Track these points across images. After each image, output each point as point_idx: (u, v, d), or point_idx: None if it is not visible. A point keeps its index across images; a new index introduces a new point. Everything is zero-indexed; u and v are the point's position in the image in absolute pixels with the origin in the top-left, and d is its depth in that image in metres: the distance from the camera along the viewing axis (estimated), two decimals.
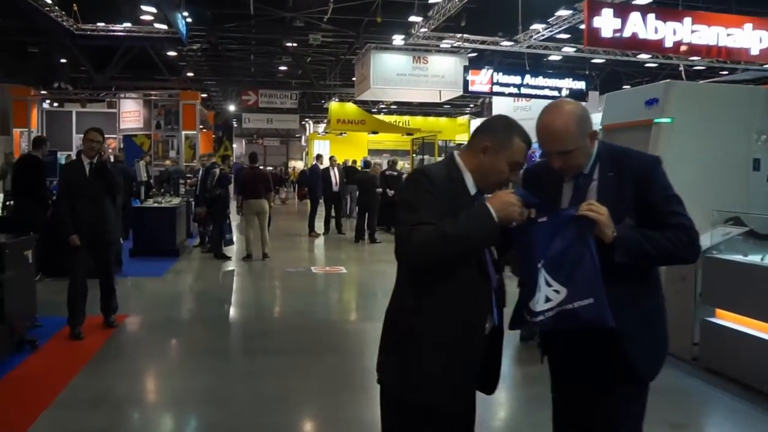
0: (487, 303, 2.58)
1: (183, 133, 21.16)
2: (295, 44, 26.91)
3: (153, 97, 21.94)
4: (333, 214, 17.10)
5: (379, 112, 34.97)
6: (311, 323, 7.84)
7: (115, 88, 23.62)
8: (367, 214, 15.50)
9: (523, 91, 20.23)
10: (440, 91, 23.53)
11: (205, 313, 8.36)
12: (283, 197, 33.12)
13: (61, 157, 22.18)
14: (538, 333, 2.93)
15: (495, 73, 19.94)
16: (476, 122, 30.77)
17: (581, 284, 2.45)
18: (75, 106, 23.89)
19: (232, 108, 36.94)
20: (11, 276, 6.48)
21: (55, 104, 24.40)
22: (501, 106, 26.68)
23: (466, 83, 19.87)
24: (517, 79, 20.06)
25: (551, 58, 22.70)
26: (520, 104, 25.82)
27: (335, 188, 16.87)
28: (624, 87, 27.12)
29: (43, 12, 16.96)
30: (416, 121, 34.67)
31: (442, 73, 22.18)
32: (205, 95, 38.82)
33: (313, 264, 12.45)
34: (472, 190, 2.61)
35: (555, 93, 20.39)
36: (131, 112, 22.30)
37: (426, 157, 16.30)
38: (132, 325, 7.64)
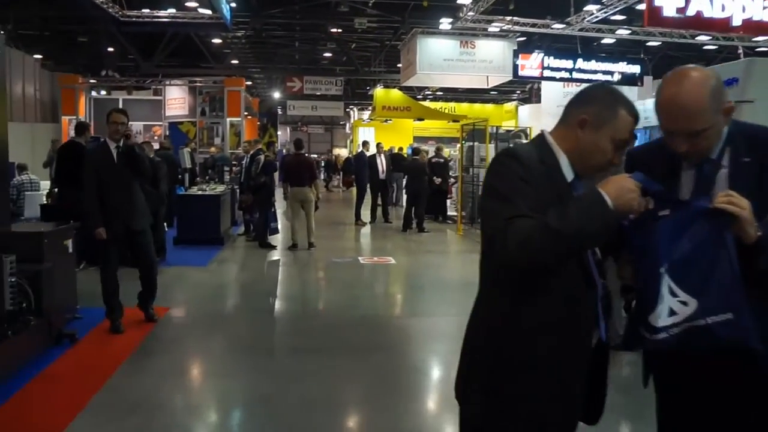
0: (593, 314, 2.09)
1: (228, 119, 20.94)
2: (339, 30, 26.49)
3: (198, 84, 21.71)
4: (379, 202, 16.68)
5: (424, 99, 34.38)
6: (359, 319, 7.42)
7: (161, 75, 23.44)
8: (415, 202, 15.03)
9: (575, 75, 19.46)
10: (488, 77, 22.92)
11: (249, 307, 8.00)
12: (336, 185, 32.97)
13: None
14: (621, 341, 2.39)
15: (546, 57, 19.22)
16: (525, 109, 30.12)
17: (717, 295, 1.95)
18: (122, 93, 23.87)
19: (276, 95, 36.72)
20: (50, 267, 6.19)
21: (103, 92, 24.41)
22: (550, 92, 25.94)
23: (515, 68, 19.20)
24: (568, 63, 19.32)
25: (603, 41, 21.82)
26: (571, 89, 24.96)
27: (382, 176, 16.43)
28: None
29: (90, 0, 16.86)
30: (462, 107, 33.96)
31: (490, 58, 21.49)
32: (249, 83, 38.71)
33: (360, 254, 12.03)
34: (569, 176, 2.12)
35: (608, 77, 19.61)
36: (176, 99, 22.15)
37: (475, 143, 15.68)
38: (174, 319, 7.30)
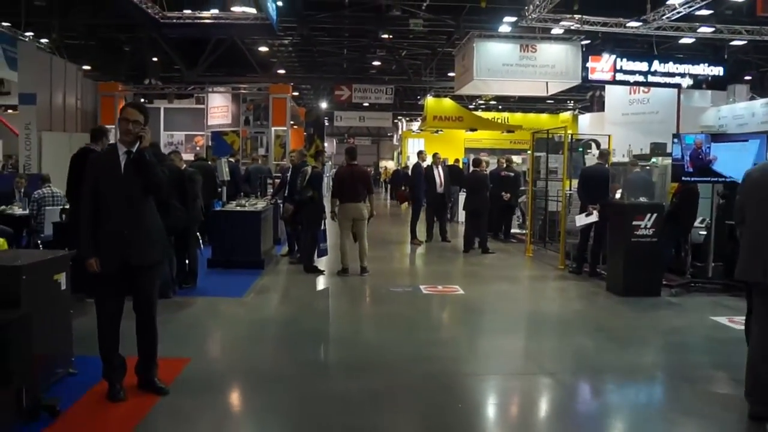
0: None
1: (273, 129, 19.32)
2: (390, 36, 24.83)
3: (242, 91, 20.15)
4: (436, 218, 14.83)
5: (476, 109, 32.46)
6: (435, 378, 5.55)
7: (203, 82, 21.93)
8: (477, 219, 13.14)
9: (651, 79, 17.49)
10: (547, 83, 20.94)
11: (293, 358, 6.14)
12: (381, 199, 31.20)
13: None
14: None
15: (618, 60, 17.22)
16: (585, 118, 27.98)
17: None
18: (163, 102, 22.45)
19: (324, 105, 35.20)
20: (27, 314, 4.49)
21: (144, 101, 23.04)
22: (615, 99, 23.89)
23: (585, 71, 17.29)
24: (643, 66, 17.34)
25: (682, 40, 19.62)
26: (637, 96, 22.98)
27: (440, 189, 14.56)
28: (747, 77, 23.82)
29: (129, 0, 15.43)
30: (515, 117, 31.96)
31: (552, 62, 19.56)
32: (296, 93, 37.34)
33: (421, 281, 10.15)
34: None
35: (687, 81, 17.53)
36: (219, 108, 20.63)
37: (542, 154, 13.79)
38: (194, 377, 5.50)
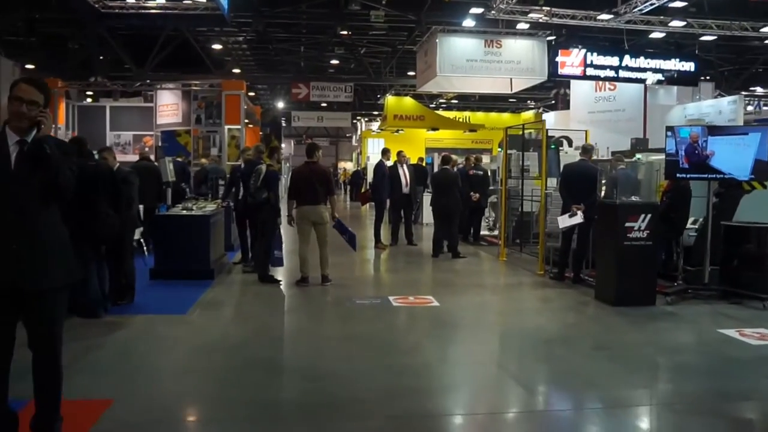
0: None
1: (226, 127, 17.95)
2: (349, 32, 23.67)
3: (193, 88, 18.74)
4: (402, 220, 13.72)
5: (437, 108, 31.49)
6: (412, 420, 4.42)
7: (153, 80, 20.37)
8: (447, 222, 12.06)
9: (622, 74, 16.65)
10: (511, 80, 20.00)
11: (242, 397, 4.90)
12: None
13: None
14: None
15: (588, 54, 16.35)
16: (550, 116, 27.16)
17: None
18: (109, 101, 20.86)
19: (280, 105, 33.87)
20: None
21: (88, 99, 21.46)
22: (581, 97, 23.05)
23: (555, 66, 16.36)
24: (614, 61, 16.49)
25: (651, 35, 18.85)
26: (603, 94, 22.19)
27: (405, 189, 13.46)
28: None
29: None
30: (477, 116, 31.14)
31: (518, 58, 18.53)
32: (252, 94, 35.89)
33: (390, 291, 9.00)
34: None
35: (658, 76, 16.75)
36: (169, 106, 19.17)
37: (513, 152, 12.81)
38: (116, 427, 4.28)
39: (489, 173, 14.64)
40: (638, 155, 11.70)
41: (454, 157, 13.28)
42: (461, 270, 10.85)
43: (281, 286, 9.12)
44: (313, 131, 49.03)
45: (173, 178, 10.52)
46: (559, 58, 16.31)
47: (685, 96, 21.57)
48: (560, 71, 16.44)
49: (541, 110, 28.98)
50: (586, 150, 9.89)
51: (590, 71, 16.39)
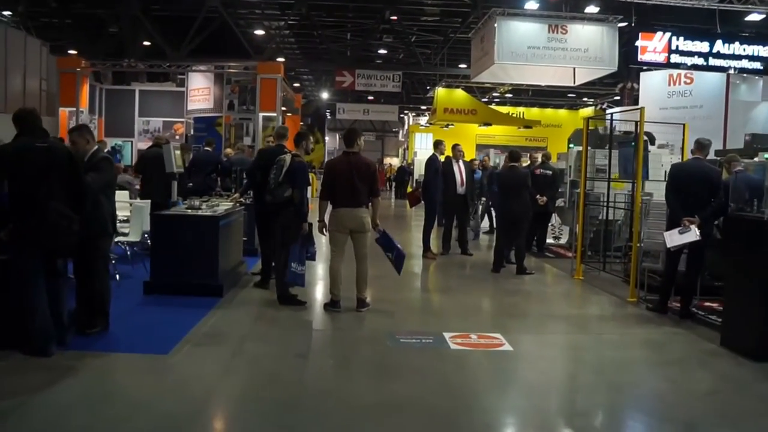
0: None
1: (261, 114, 15.90)
2: (398, 17, 21.44)
3: (227, 70, 16.72)
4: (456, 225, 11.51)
5: (489, 102, 29.04)
6: None
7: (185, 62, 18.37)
8: (513, 230, 9.79)
9: (712, 62, 14.01)
10: (574, 70, 17.50)
11: None
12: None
13: (124, 144, 17.47)
14: None
15: (674, 38, 13.83)
16: (618, 111, 24.53)
17: None
18: (139, 84, 19.00)
19: (325, 96, 31.81)
20: None
21: (108, 80, 19.48)
22: (652, 92, 20.34)
23: (634, 51, 13.90)
24: (703, 46, 13.91)
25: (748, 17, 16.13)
26: (678, 88, 19.50)
27: (460, 189, 11.22)
28: None
29: None
30: (532, 112, 28.73)
31: (585, 45, 16.07)
32: (297, 84, 33.91)
33: (445, 324, 6.76)
34: None
35: (755, 65, 14.16)
36: (200, 90, 17.24)
37: (576, 148, 10.54)
38: None
39: (558, 173, 12.28)
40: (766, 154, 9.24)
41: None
42: (531, 292, 8.55)
43: (305, 309, 6.99)
44: (359, 125, 46.88)
45: (179, 169, 8.45)
46: (639, 42, 13.83)
47: None
48: (640, 57, 13.95)
49: (604, 106, 26.32)
50: (702, 146, 7.47)
51: (675, 58, 13.85)
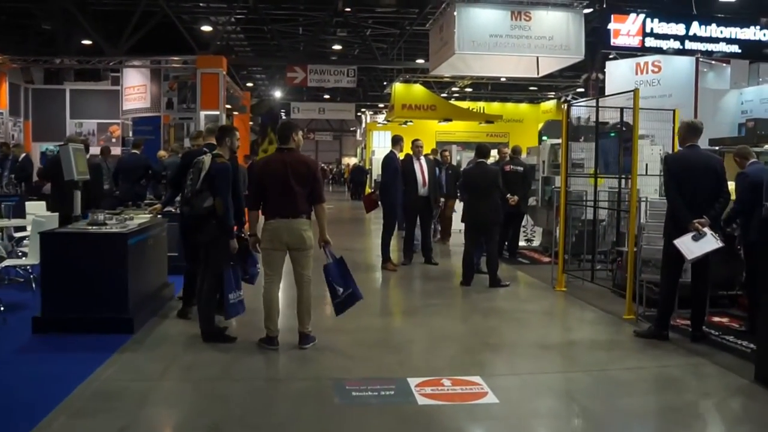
0: None
1: (202, 113, 14.27)
2: (348, 9, 19.93)
3: (164, 65, 15.04)
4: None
5: (449, 98, 27.71)
6: None
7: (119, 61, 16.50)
8: (485, 236, 8.41)
9: (688, 45, 12.87)
10: (537, 60, 16.26)
11: None
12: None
13: (56, 148, 15.64)
14: None
15: (649, 20, 12.64)
16: (608, 96, 23.38)
17: None
18: (71, 84, 17.11)
19: (278, 94, 30.13)
20: None
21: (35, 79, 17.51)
22: (619, 82, 19.18)
23: (606, 34, 12.66)
24: (679, 29, 12.73)
25: None
26: (646, 77, 18.32)
27: (422, 191, 9.81)
28: None
29: None
30: (493, 107, 27.40)
31: (550, 33, 14.75)
32: (251, 84, 32.14)
33: (410, 362, 5.32)
34: None
35: (732, 47, 13.06)
36: (135, 88, 15.51)
37: (550, 141, 9.29)
38: None
39: (530, 169, 10.96)
40: None
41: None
42: (509, 311, 7.15)
43: (232, 349, 5.47)
44: (316, 125, 45.27)
45: (83, 176, 6.84)
46: (612, 25, 12.61)
47: (741, 78, 17.86)
48: (613, 41, 12.73)
49: (569, 98, 25.16)
50: (697, 130, 6.10)
51: (650, 41, 12.65)
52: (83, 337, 5.60)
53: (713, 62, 16.85)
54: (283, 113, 33.23)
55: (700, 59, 16.04)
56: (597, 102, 8.49)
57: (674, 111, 8.65)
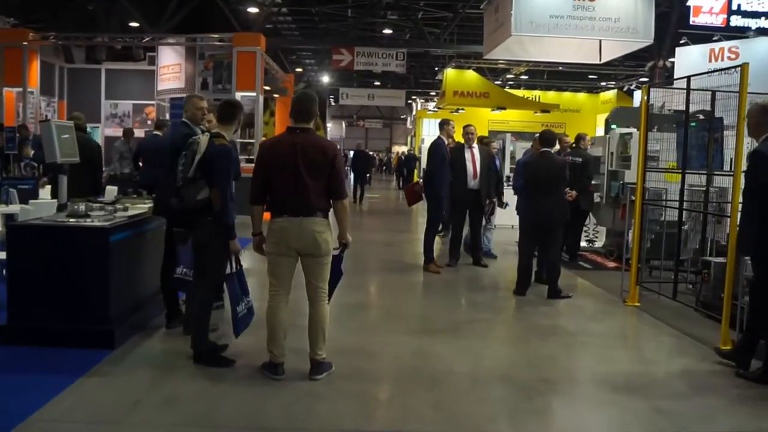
0: None
1: (238, 94, 13.19)
2: None
3: (199, 42, 14.01)
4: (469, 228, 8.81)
5: (503, 85, 26.19)
6: None
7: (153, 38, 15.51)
8: (546, 238, 7.07)
9: None
10: (600, 45, 14.76)
11: None
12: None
13: (93, 131, 14.88)
14: None
15: None
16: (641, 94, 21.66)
17: None
18: (107, 63, 16.27)
19: (327, 80, 29.05)
20: None
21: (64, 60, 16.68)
22: (688, 69, 17.44)
23: (686, 11, 11.12)
24: None
25: None
26: (720, 64, 16.55)
27: (472, 183, 8.51)
28: None
29: None
30: (548, 96, 25.79)
31: (616, 14, 13.28)
32: (300, 69, 31.13)
33: (450, 413, 4.08)
34: None
35: None
36: (170, 68, 14.55)
37: (629, 130, 7.90)
38: None
39: (591, 161, 9.56)
40: None
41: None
42: (572, 332, 5.80)
43: (226, 380, 4.32)
44: (365, 112, 44.10)
45: (69, 159, 5.75)
46: (692, 2, 11.05)
47: None
48: (693, 20, 11.25)
49: (633, 87, 23.39)
50: None
51: (736, 20, 11.11)
52: (52, 352, 4.56)
53: None
54: (331, 99, 32.20)
55: None
56: (688, 82, 6.97)
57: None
